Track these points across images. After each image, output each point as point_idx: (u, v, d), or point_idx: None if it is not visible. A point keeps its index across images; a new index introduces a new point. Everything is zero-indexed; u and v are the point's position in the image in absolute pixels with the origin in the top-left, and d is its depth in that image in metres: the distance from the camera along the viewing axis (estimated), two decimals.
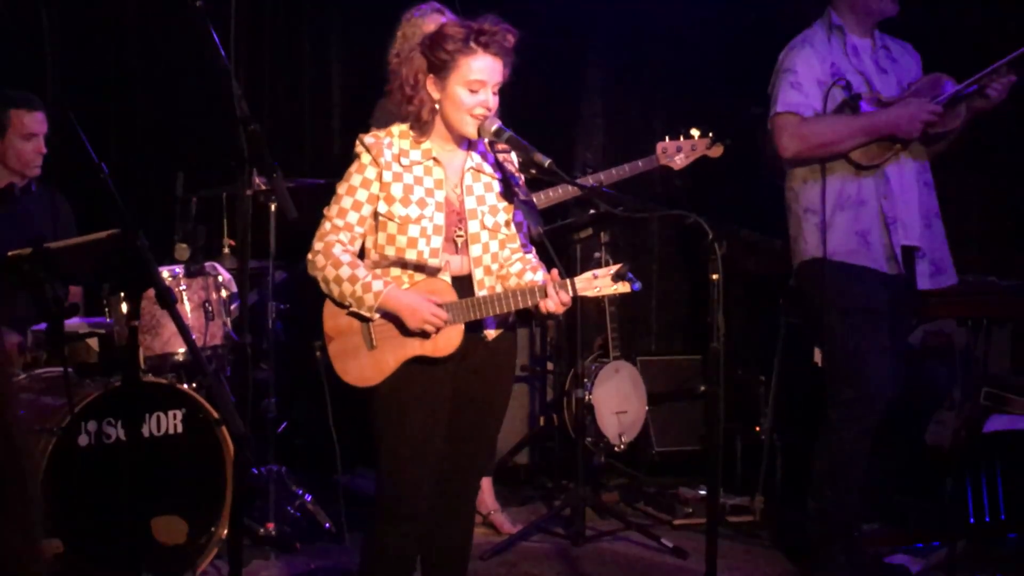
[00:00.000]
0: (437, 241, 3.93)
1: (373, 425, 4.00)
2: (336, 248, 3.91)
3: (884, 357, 5.10)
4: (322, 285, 3.94)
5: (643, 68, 7.74)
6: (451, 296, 3.93)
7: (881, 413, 5.12)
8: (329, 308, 3.98)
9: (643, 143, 6.97)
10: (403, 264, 3.94)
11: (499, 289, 4.05)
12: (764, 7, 6.80)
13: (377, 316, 3.91)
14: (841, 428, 5.12)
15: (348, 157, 4.06)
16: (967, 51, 5.90)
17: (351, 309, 3.91)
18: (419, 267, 3.94)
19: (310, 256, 3.96)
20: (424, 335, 3.90)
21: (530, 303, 3.94)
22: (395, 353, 3.93)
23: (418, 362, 3.94)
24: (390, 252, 3.93)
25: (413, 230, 3.91)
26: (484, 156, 4.11)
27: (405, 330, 3.90)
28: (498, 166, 4.10)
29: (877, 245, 5.09)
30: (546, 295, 3.91)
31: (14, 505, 1.18)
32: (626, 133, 7.71)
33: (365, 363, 3.95)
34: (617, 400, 6.67)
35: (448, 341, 3.94)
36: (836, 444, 5.14)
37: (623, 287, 3.97)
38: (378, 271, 3.95)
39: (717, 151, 6.01)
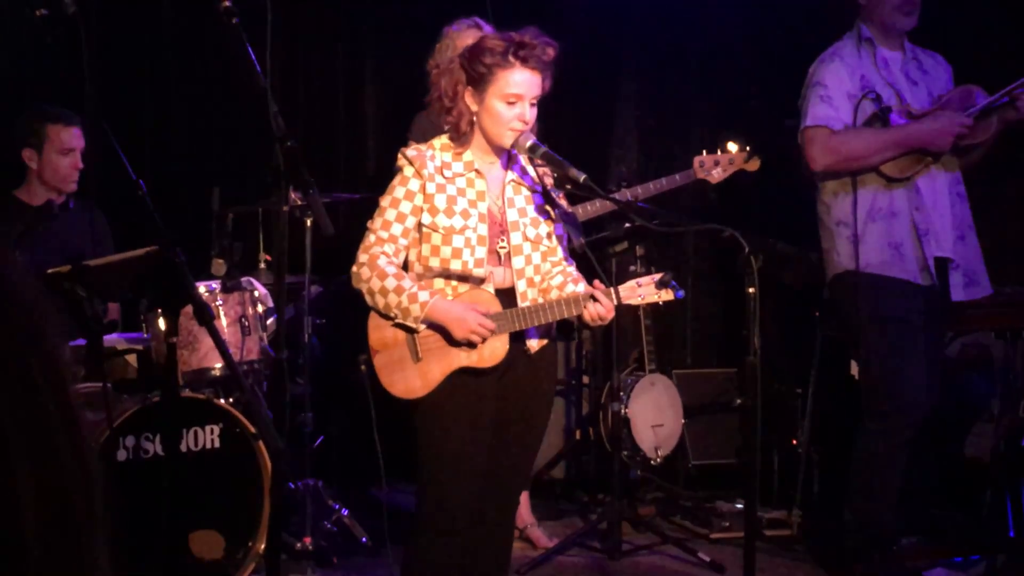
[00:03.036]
0: (481, 252, 3.94)
1: (416, 438, 4.00)
2: (381, 260, 3.91)
3: (919, 368, 5.08)
4: (367, 297, 3.94)
5: (677, 80, 7.74)
6: (495, 307, 3.94)
7: (917, 424, 5.09)
8: (374, 321, 3.99)
9: (678, 156, 6.98)
10: (447, 275, 3.95)
11: (542, 301, 4.05)
12: (799, 19, 6.78)
13: (423, 327, 3.90)
14: (877, 440, 5.11)
15: (383, 172, 4.08)
16: (999, 62, 5.87)
17: (396, 320, 3.91)
18: (464, 278, 3.95)
19: (355, 268, 3.95)
20: (470, 345, 3.90)
21: (575, 312, 3.95)
22: (441, 364, 3.94)
23: (463, 374, 3.94)
24: (434, 264, 3.94)
25: (457, 240, 3.92)
26: (524, 169, 4.12)
27: (451, 341, 3.90)
28: (538, 179, 4.12)
29: (910, 257, 5.08)
30: (591, 304, 3.92)
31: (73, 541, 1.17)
32: (661, 146, 7.70)
33: (411, 375, 3.95)
34: (653, 413, 6.66)
35: (494, 352, 3.94)
36: (872, 456, 5.13)
37: (667, 295, 3.99)
38: (422, 283, 3.96)
39: (754, 165, 6.00)
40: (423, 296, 3.86)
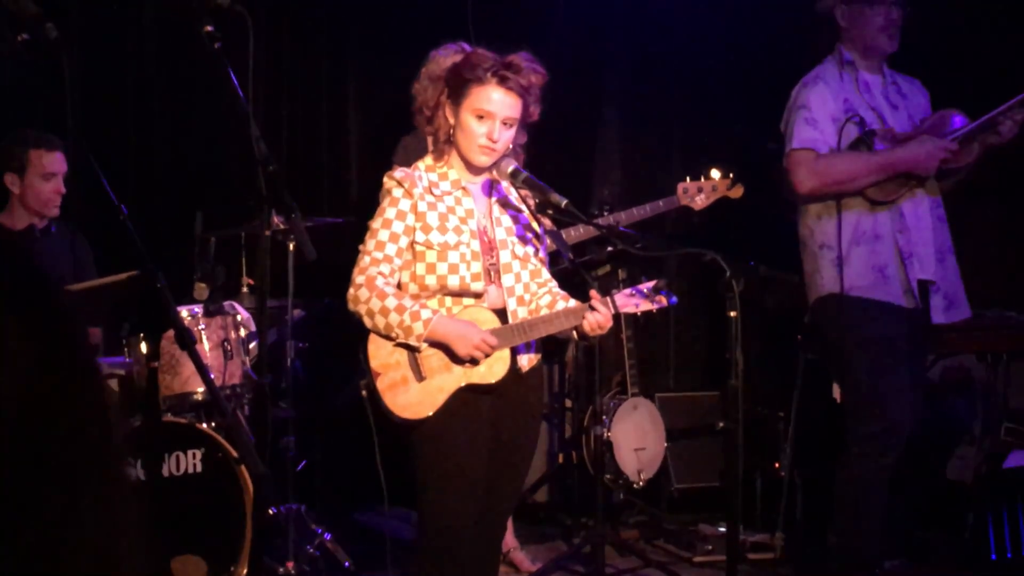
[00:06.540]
0: (477, 267, 3.94)
1: (414, 461, 3.97)
2: (379, 280, 3.89)
3: (905, 390, 5.08)
4: (366, 319, 3.90)
5: (660, 104, 7.75)
6: (494, 323, 3.94)
7: (901, 446, 5.10)
8: (374, 344, 3.95)
9: (661, 179, 6.99)
10: (445, 292, 3.94)
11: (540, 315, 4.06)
12: (780, 44, 6.81)
13: (425, 346, 3.89)
14: (862, 462, 5.10)
15: (366, 196, 4.08)
16: (977, 87, 5.91)
17: (398, 340, 3.89)
18: (462, 294, 3.94)
19: (352, 291, 3.92)
20: (473, 362, 3.89)
21: (574, 323, 3.97)
22: (445, 383, 3.92)
23: (461, 394, 3.92)
24: (431, 282, 3.93)
25: (453, 256, 3.92)
26: (508, 189, 4.14)
27: (454, 358, 3.89)
28: (521, 200, 4.14)
29: (894, 279, 5.09)
30: (589, 313, 3.94)
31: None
32: (644, 169, 7.72)
33: (416, 396, 3.92)
34: (636, 437, 6.65)
35: (496, 368, 3.94)
36: (856, 479, 5.12)
37: (660, 301, 4.00)
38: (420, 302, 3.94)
39: (737, 192, 6.02)
40: (425, 313, 3.85)
